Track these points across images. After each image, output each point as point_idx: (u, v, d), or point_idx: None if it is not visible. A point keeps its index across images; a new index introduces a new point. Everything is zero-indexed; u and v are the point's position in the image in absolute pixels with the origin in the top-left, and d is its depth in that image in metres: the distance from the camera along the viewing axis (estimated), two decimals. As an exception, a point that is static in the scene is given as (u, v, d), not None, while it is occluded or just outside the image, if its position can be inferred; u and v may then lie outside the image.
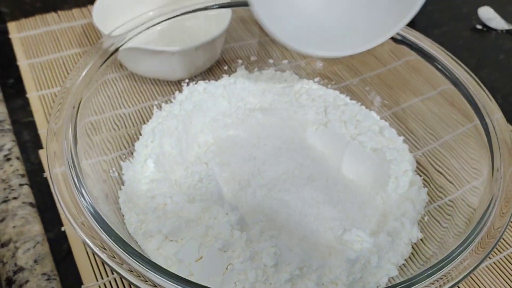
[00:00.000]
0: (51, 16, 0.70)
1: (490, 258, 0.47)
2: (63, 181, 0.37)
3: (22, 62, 0.63)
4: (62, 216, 0.47)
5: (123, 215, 0.43)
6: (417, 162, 0.51)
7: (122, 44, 0.49)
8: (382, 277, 0.41)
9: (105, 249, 0.33)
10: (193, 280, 0.32)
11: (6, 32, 0.67)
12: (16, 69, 0.62)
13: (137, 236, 0.42)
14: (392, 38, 0.54)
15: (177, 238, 0.41)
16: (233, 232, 0.40)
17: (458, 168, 0.49)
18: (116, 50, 0.48)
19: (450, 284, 0.33)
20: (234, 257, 0.39)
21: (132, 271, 0.32)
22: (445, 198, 0.47)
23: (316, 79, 0.59)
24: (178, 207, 0.43)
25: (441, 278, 0.33)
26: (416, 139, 0.54)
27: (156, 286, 0.31)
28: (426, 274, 0.34)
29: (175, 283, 0.32)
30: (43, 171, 0.51)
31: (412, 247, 0.44)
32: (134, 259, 0.33)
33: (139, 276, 0.32)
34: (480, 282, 0.45)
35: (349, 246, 0.41)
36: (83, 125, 0.43)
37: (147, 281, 0.32)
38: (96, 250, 0.33)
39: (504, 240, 0.49)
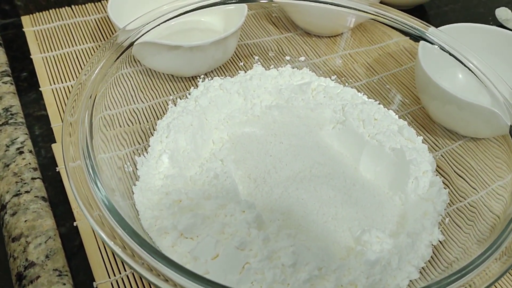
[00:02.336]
0: (64, 10, 0.70)
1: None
2: (78, 174, 0.36)
3: (36, 56, 0.62)
4: (75, 211, 0.47)
5: (138, 211, 0.42)
6: (437, 163, 0.50)
7: (137, 38, 0.48)
8: (403, 279, 0.40)
9: (120, 243, 0.32)
10: (210, 278, 0.31)
11: (20, 25, 0.67)
12: (30, 62, 0.62)
13: (151, 232, 0.41)
14: (410, 37, 0.53)
15: (192, 235, 0.40)
16: (250, 230, 0.39)
17: (477, 170, 0.48)
18: (131, 44, 0.48)
19: None
20: (251, 256, 0.38)
21: (148, 267, 0.31)
22: (465, 200, 0.46)
23: (334, 77, 0.58)
24: (194, 203, 0.42)
25: (464, 286, 0.32)
26: (436, 140, 0.53)
27: (172, 283, 0.30)
28: (449, 280, 0.33)
29: (191, 281, 0.31)
30: (56, 165, 0.50)
31: (433, 251, 0.43)
32: (150, 255, 0.32)
33: (155, 273, 0.31)
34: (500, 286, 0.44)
35: (368, 247, 0.40)
36: (98, 119, 0.43)
37: (163, 278, 0.31)
38: (111, 244, 0.32)
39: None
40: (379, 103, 0.55)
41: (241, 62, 0.60)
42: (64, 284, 0.41)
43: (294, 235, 0.41)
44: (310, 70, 0.58)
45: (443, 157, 0.51)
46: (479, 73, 0.49)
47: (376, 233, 0.41)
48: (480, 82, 0.48)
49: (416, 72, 0.54)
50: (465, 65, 0.49)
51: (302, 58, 0.60)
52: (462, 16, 0.78)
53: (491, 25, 0.63)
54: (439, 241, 0.43)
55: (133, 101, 0.52)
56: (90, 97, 0.42)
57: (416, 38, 0.53)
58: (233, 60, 0.61)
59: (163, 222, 0.41)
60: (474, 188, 0.47)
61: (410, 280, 0.40)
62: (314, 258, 0.38)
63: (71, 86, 0.59)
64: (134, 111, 0.51)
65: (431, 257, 0.42)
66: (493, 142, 0.48)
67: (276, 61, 0.60)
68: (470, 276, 0.32)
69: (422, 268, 0.42)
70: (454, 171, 0.49)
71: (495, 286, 0.43)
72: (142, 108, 0.52)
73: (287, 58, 0.60)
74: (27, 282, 0.41)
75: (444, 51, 0.50)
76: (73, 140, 0.38)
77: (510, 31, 0.60)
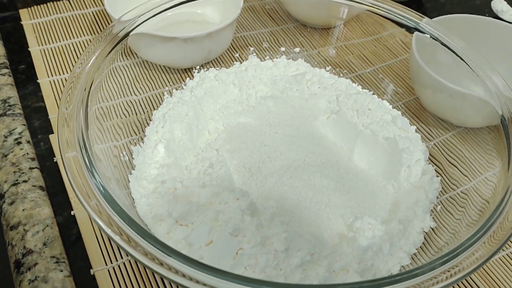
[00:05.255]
0: (62, 3, 0.70)
1: (503, 250, 0.46)
2: (74, 164, 0.37)
3: (34, 49, 0.63)
4: (72, 201, 0.47)
5: (133, 199, 0.43)
6: (430, 153, 0.51)
7: (132, 29, 0.49)
8: (394, 265, 0.40)
9: (117, 230, 0.33)
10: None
11: (18, 18, 0.67)
12: (28, 55, 0.62)
13: (147, 219, 0.41)
14: (405, 28, 0.54)
15: (187, 222, 0.41)
16: (243, 217, 0.40)
17: (470, 160, 0.49)
18: (126, 35, 0.48)
19: (461, 275, 0.33)
20: (245, 242, 0.38)
21: (143, 252, 0.32)
22: (458, 189, 0.47)
23: (328, 68, 0.59)
24: (189, 191, 0.43)
25: (453, 268, 0.33)
26: (429, 130, 0.53)
27: (166, 267, 0.31)
28: (437, 263, 0.33)
29: (188, 266, 0.31)
30: (54, 156, 0.51)
31: (425, 237, 0.44)
32: (147, 241, 0.32)
33: (150, 257, 0.32)
34: (493, 273, 0.45)
35: (360, 233, 0.41)
36: (93, 110, 0.43)
37: (158, 262, 0.31)
38: (109, 231, 0.33)
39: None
40: (373, 94, 0.56)
41: (237, 53, 0.60)
42: (62, 271, 0.42)
43: (287, 222, 0.41)
44: (305, 61, 0.59)
45: (436, 147, 0.52)
46: (472, 64, 0.49)
47: (368, 220, 0.41)
48: (473, 73, 0.49)
49: (410, 62, 0.54)
50: (458, 56, 0.50)
51: (297, 49, 0.61)
52: (459, 8, 0.78)
53: (487, 17, 0.64)
54: (430, 228, 0.44)
55: (129, 93, 0.52)
56: (86, 86, 0.42)
57: (411, 29, 0.54)
58: (229, 51, 0.61)
59: (158, 210, 0.42)
60: (466, 176, 0.47)
61: (402, 266, 0.41)
62: (306, 244, 0.39)
63: (69, 76, 0.59)
64: (130, 102, 0.52)
65: (423, 243, 0.43)
66: (486, 132, 0.48)
67: (271, 52, 0.60)
68: (459, 259, 0.33)
69: (414, 254, 0.42)
70: (447, 160, 0.50)
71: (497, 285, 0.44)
72: (138, 100, 0.53)
73: (282, 49, 0.60)
74: (25, 269, 0.42)
75: (438, 41, 0.51)
76: (69, 131, 0.39)
77: (505, 23, 0.60)
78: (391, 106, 0.55)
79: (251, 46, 0.60)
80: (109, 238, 0.41)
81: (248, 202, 0.41)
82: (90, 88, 0.43)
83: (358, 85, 0.57)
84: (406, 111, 0.55)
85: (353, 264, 0.39)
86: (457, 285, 0.43)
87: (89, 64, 0.44)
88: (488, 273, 0.45)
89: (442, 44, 0.50)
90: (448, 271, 0.32)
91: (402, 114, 0.54)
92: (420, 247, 0.43)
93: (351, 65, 0.61)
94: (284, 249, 0.37)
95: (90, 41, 0.64)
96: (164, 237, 0.40)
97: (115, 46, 0.46)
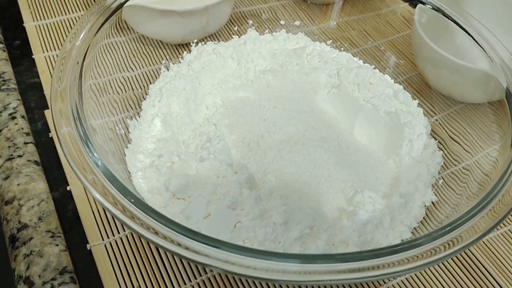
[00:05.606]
0: (57, -21, 0.68)
1: (505, 225, 0.46)
2: (70, 139, 0.36)
3: (29, 24, 0.62)
4: (68, 176, 0.47)
5: (130, 172, 0.42)
6: (432, 128, 0.50)
7: (126, 1, 0.47)
8: (395, 238, 0.40)
9: (112, 200, 0.32)
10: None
11: (12, -6, 0.66)
12: (23, 31, 0.61)
13: (143, 193, 0.41)
14: (409, 2, 0.52)
15: (184, 196, 0.40)
16: (242, 190, 0.39)
17: (473, 135, 0.48)
18: (120, 6, 0.47)
19: (460, 246, 0.32)
20: (243, 215, 0.38)
21: (139, 223, 0.31)
22: (460, 164, 0.46)
23: (329, 42, 0.58)
24: (186, 165, 0.42)
25: (452, 241, 0.32)
26: (431, 106, 0.52)
27: (161, 236, 0.30)
28: (437, 234, 0.32)
29: (189, 238, 0.31)
30: (49, 131, 0.50)
31: (426, 211, 0.43)
32: (144, 212, 0.32)
33: (145, 226, 0.31)
34: (496, 250, 0.44)
35: (360, 207, 0.40)
36: (88, 85, 0.42)
37: (153, 231, 0.31)
38: (108, 205, 0.32)
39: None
40: (374, 68, 0.54)
41: (235, 26, 0.59)
42: (57, 245, 0.41)
43: (286, 196, 0.41)
44: (305, 35, 0.58)
45: (438, 122, 0.51)
46: (477, 36, 0.48)
47: (369, 194, 0.41)
48: (477, 46, 0.48)
49: (413, 36, 0.53)
50: (462, 28, 0.49)
51: (297, 23, 0.59)
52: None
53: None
54: (432, 202, 0.43)
55: (126, 68, 0.51)
56: (78, 63, 0.41)
57: (414, 3, 0.52)
58: (227, 25, 0.60)
59: (155, 184, 0.41)
60: (468, 152, 0.46)
61: (402, 240, 0.40)
62: (306, 217, 0.38)
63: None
64: (126, 78, 0.51)
65: (424, 217, 0.42)
66: (488, 107, 0.47)
67: (270, 26, 0.59)
68: (459, 231, 0.32)
69: (415, 228, 0.41)
70: (449, 136, 0.49)
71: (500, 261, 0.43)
72: (134, 76, 0.52)
73: (282, 22, 0.59)
74: (20, 244, 0.41)
75: (440, 12, 0.50)
76: (63, 106, 0.38)
77: None
78: (392, 80, 0.54)
79: (249, 20, 0.59)
80: (105, 209, 0.41)
81: (247, 175, 0.40)
82: (83, 62, 0.42)
83: (359, 59, 0.56)
84: (408, 87, 0.54)
85: (353, 237, 0.38)
86: (460, 261, 0.43)
87: (81, 37, 0.43)
88: (490, 249, 0.44)
89: (444, 15, 0.49)
90: (448, 243, 0.32)
91: (404, 89, 0.53)
92: (421, 221, 0.42)
93: (352, 40, 0.59)
94: (283, 222, 0.37)
95: (86, 17, 0.63)
96: (161, 211, 0.39)
97: (108, 18, 0.45)
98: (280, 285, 0.40)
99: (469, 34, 0.48)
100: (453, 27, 0.50)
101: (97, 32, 0.44)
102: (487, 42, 0.47)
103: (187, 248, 0.30)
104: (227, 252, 0.29)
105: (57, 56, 0.58)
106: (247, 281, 0.41)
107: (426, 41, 0.50)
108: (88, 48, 0.43)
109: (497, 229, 0.45)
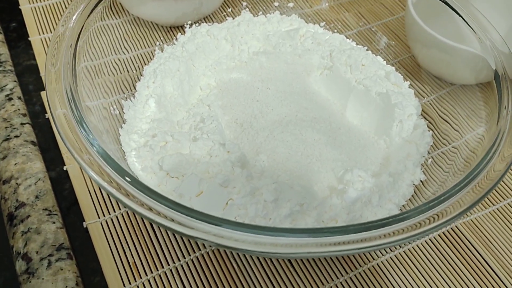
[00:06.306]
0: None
1: (493, 204, 0.47)
2: (65, 120, 0.37)
3: (25, 6, 0.62)
4: (65, 156, 0.47)
5: (124, 152, 0.43)
6: (423, 109, 0.51)
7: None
8: (383, 216, 0.40)
9: (108, 179, 0.33)
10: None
11: (8, -25, 0.66)
12: (19, 13, 0.61)
13: (137, 172, 0.41)
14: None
15: (178, 175, 0.41)
16: (234, 169, 0.40)
17: (463, 116, 0.48)
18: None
19: (445, 219, 0.33)
20: (234, 193, 0.39)
21: (136, 201, 0.32)
22: (449, 144, 0.47)
23: (322, 24, 0.58)
24: (179, 145, 0.43)
25: (437, 214, 0.33)
26: (423, 87, 0.53)
27: (155, 212, 0.31)
28: (422, 208, 0.33)
29: (183, 213, 0.31)
30: (45, 113, 0.51)
31: (414, 190, 0.44)
32: (141, 191, 0.32)
33: (141, 204, 0.32)
34: (484, 228, 0.45)
35: (350, 185, 0.41)
36: (82, 67, 0.43)
37: (147, 207, 0.32)
38: (104, 183, 0.33)
39: (508, 187, 0.48)
40: (367, 49, 0.55)
41: (229, 8, 0.59)
42: (54, 222, 0.42)
43: (277, 175, 0.41)
44: (298, 17, 0.58)
45: (429, 103, 0.51)
46: (468, 18, 0.48)
47: (358, 173, 0.41)
48: (468, 27, 0.48)
49: (406, 17, 0.53)
50: (454, 10, 0.49)
51: (291, 5, 0.59)
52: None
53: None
54: (420, 180, 0.44)
55: (120, 51, 0.52)
56: (71, 46, 0.42)
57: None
58: (221, 6, 0.60)
59: (149, 163, 0.42)
60: (457, 131, 0.47)
61: (390, 217, 0.41)
62: (296, 195, 0.39)
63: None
64: (121, 60, 0.51)
65: (412, 196, 0.43)
66: (479, 89, 0.48)
67: (264, 8, 0.59)
68: (445, 205, 0.33)
69: (403, 206, 0.42)
70: (439, 116, 0.50)
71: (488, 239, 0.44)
72: (129, 58, 0.52)
73: (276, 4, 0.59)
74: (17, 222, 0.42)
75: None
76: (58, 88, 0.38)
77: None
78: (385, 62, 0.54)
79: (244, 1, 0.59)
80: (101, 188, 0.42)
81: (239, 154, 0.41)
82: (77, 44, 0.42)
83: (352, 41, 0.56)
84: (400, 68, 0.55)
85: (342, 214, 0.39)
86: (448, 240, 0.44)
87: (74, 19, 0.43)
88: (479, 228, 0.45)
89: None
90: (433, 217, 0.33)
91: (396, 70, 0.53)
92: (410, 199, 0.43)
93: (345, 22, 0.60)
94: (273, 199, 0.38)
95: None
96: (155, 189, 0.40)
97: (102, 0, 0.45)
98: (271, 259, 0.42)
99: (461, 16, 0.49)
100: (446, 9, 0.50)
101: (90, 14, 0.44)
102: (479, 24, 0.48)
103: (180, 224, 0.30)
104: (219, 227, 0.30)
105: (53, 38, 0.58)
106: (239, 255, 0.42)
107: (418, 22, 0.50)
108: (81, 30, 0.43)
109: (485, 208, 0.46)
